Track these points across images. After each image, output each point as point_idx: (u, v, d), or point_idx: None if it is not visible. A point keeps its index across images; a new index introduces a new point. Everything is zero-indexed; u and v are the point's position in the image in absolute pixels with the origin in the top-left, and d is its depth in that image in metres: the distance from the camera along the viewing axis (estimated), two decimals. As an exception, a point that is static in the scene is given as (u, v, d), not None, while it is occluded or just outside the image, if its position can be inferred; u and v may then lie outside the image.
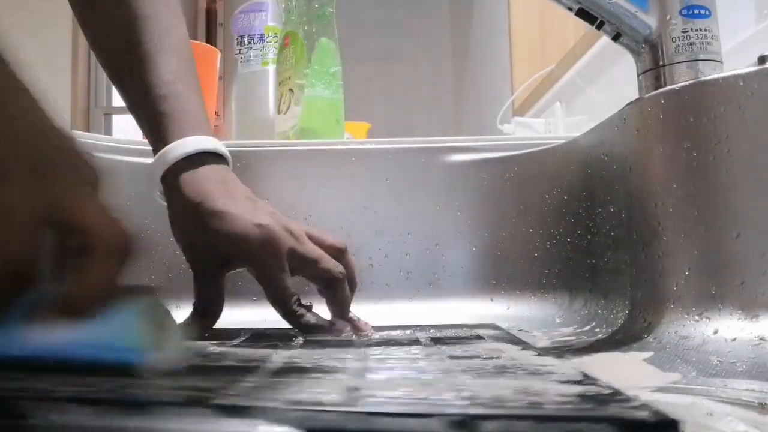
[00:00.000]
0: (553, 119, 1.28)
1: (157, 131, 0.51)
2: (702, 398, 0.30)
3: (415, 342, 0.42)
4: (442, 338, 0.44)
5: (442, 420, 0.20)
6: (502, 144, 0.72)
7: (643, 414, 0.20)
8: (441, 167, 0.72)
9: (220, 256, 0.49)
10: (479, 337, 0.44)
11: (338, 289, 0.49)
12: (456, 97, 2.89)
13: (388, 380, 0.28)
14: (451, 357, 0.35)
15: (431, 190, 0.71)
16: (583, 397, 0.23)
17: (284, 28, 0.89)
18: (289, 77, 0.86)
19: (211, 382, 0.27)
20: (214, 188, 0.49)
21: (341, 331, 0.48)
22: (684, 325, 0.44)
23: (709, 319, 0.43)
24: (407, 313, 0.67)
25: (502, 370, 0.30)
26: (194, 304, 0.49)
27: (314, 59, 0.83)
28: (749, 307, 0.41)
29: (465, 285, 0.70)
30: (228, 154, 0.53)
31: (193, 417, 0.21)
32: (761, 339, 0.39)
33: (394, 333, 0.49)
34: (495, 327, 0.53)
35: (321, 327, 0.48)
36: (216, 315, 0.49)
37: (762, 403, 0.29)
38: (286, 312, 0.48)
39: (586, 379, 0.27)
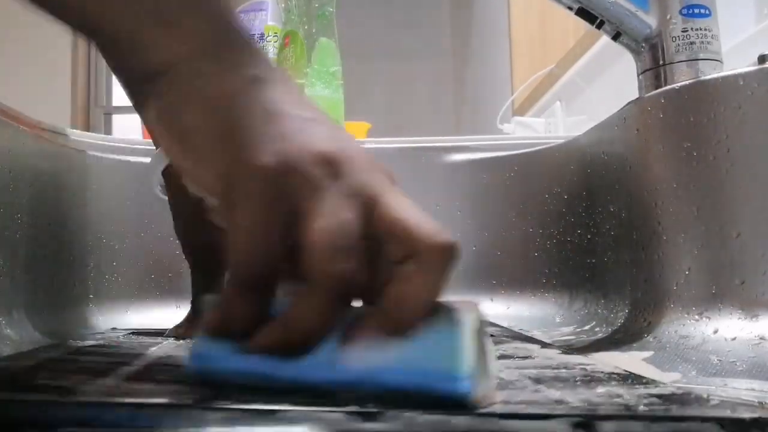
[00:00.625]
0: (553, 119, 1.28)
1: None
2: (702, 398, 0.30)
3: None
4: None
5: (564, 421, 0.20)
6: (502, 144, 0.72)
7: (745, 413, 0.21)
8: (441, 167, 0.71)
9: (222, 255, 0.47)
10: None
11: None
12: (456, 96, 2.89)
13: None
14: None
15: (431, 190, 0.71)
16: (664, 398, 0.24)
17: (284, 28, 0.89)
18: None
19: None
20: None
21: None
22: (684, 325, 0.44)
23: (709, 318, 0.43)
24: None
25: (554, 371, 0.31)
26: (192, 306, 0.48)
27: (314, 59, 0.83)
28: (749, 307, 0.41)
29: (465, 285, 0.69)
30: None
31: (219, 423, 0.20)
32: (761, 338, 0.39)
33: None
34: (493, 324, 0.54)
35: None
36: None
37: (762, 403, 0.29)
38: None
39: (642, 378, 0.29)
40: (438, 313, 0.23)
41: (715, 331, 0.42)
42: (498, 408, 0.22)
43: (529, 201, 0.70)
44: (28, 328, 0.50)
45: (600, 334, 0.52)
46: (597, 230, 0.61)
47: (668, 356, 0.41)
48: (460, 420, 0.20)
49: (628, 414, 0.21)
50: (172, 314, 0.64)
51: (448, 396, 0.22)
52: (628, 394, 0.25)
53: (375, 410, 0.20)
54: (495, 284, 0.69)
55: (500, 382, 0.27)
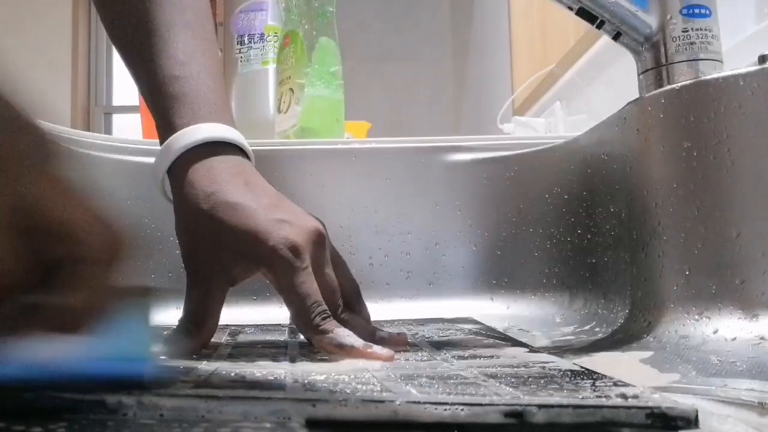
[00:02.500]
0: (553, 119, 1.29)
1: (167, 116, 0.45)
2: (702, 398, 0.30)
3: (414, 346, 0.42)
4: (440, 342, 0.44)
5: (497, 410, 0.21)
6: (502, 144, 0.72)
7: (667, 404, 0.22)
8: (441, 167, 0.71)
9: (228, 259, 0.42)
10: (470, 333, 0.45)
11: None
12: (456, 96, 2.89)
13: (429, 382, 0.29)
14: (458, 358, 0.36)
15: (431, 190, 0.71)
16: (602, 390, 0.25)
17: (284, 28, 0.89)
18: (290, 76, 0.86)
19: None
20: (231, 179, 0.42)
21: (378, 355, 0.37)
22: (684, 325, 0.44)
23: (709, 318, 0.43)
24: (407, 313, 0.67)
25: (514, 369, 0.32)
26: (181, 319, 0.43)
27: (314, 58, 0.83)
28: (749, 307, 0.41)
29: (465, 284, 0.69)
30: (250, 150, 0.46)
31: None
32: (761, 338, 0.39)
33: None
34: (474, 321, 0.55)
35: (351, 348, 0.38)
36: (209, 335, 0.42)
37: (762, 403, 0.29)
38: (306, 326, 0.39)
39: (594, 373, 0.30)
40: (115, 304, 0.28)
41: (715, 331, 0.42)
42: (423, 397, 0.23)
43: (529, 201, 0.70)
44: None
45: (600, 334, 0.52)
46: (597, 230, 0.61)
47: (668, 356, 0.41)
48: (386, 407, 0.21)
49: (559, 403, 0.22)
50: (172, 315, 0.64)
51: (132, 377, 0.25)
52: (568, 387, 0.26)
53: (316, 398, 0.22)
54: (495, 284, 0.69)
55: (458, 378, 0.29)
